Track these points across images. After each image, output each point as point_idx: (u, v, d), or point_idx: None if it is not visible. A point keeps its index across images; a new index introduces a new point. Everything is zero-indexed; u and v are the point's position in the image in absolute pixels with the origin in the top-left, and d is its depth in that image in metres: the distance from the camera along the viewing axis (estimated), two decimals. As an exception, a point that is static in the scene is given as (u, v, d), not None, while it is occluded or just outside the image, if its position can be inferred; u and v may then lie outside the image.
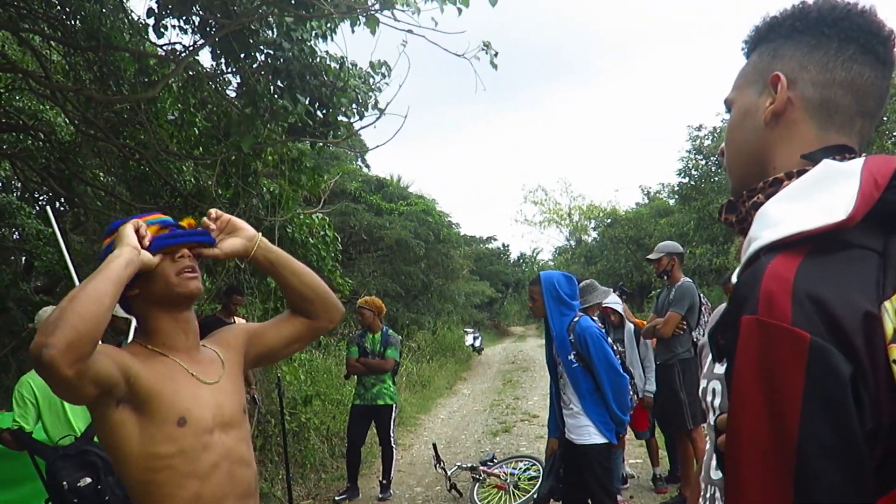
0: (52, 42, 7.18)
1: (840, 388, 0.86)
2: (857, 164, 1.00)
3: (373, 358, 7.52)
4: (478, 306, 35.50)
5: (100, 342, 1.83)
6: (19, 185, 10.12)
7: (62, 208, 9.81)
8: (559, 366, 4.85)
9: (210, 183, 7.29)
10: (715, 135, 22.21)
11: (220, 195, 7.29)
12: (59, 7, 6.45)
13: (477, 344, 25.04)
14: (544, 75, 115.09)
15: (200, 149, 7.32)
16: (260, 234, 2.22)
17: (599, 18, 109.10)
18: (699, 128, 23.34)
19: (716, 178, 21.91)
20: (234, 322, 6.95)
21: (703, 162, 23.05)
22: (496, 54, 5.68)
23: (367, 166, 23.55)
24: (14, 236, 9.82)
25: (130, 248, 1.91)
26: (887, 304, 0.90)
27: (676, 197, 27.38)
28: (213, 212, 2.21)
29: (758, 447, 0.91)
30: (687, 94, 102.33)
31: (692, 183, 23.66)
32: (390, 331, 7.78)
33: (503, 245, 50.49)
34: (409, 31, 5.40)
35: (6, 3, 6.10)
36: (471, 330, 26.56)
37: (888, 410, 0.89)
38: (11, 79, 7.58)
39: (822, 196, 0.99)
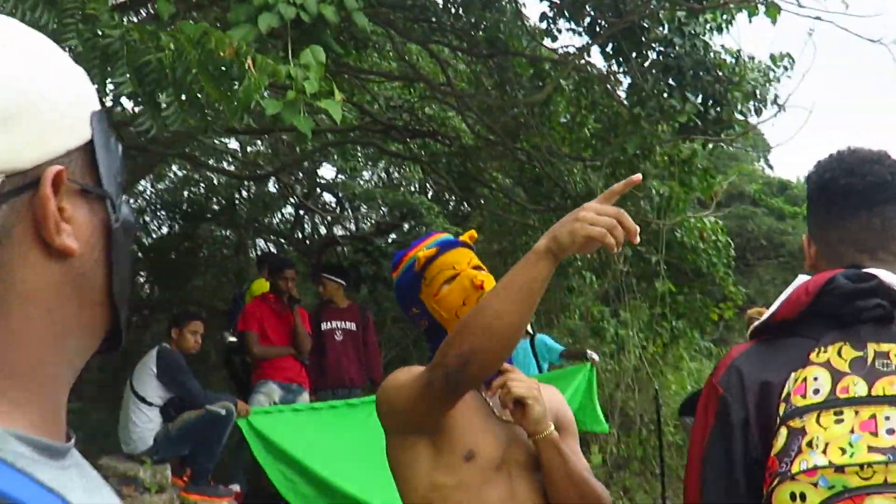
0: (458, 52, 7.71)
1: (729, 426, 1.28)
2: (806, 277, 1.35)
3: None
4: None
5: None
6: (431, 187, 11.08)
7: (465, 209, 10.53)
8: None
9: (600, 185, 7.30)
10: None
11: (608, 197, 7.27)
12: (464, 19, 6.88)
13: None
14: None
15: (590, 150, 7.37)
16: (551, 428, 1.82)
17: None
18: None
19: None
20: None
21: None
22: (923, 37, 4.91)
23: (770, 167, 22.08)
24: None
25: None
26: (793, 374, 1.22)
27: None
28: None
29: (692, 456, 1.36)
30: None
31: None
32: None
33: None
34: (817, 18, 4.96)
35: (420, 18, 6.66)
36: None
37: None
38: (424, 88, 8.29)
39: (778, 300, 1.36)
